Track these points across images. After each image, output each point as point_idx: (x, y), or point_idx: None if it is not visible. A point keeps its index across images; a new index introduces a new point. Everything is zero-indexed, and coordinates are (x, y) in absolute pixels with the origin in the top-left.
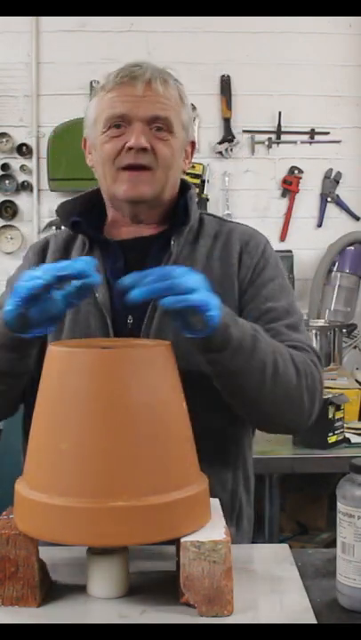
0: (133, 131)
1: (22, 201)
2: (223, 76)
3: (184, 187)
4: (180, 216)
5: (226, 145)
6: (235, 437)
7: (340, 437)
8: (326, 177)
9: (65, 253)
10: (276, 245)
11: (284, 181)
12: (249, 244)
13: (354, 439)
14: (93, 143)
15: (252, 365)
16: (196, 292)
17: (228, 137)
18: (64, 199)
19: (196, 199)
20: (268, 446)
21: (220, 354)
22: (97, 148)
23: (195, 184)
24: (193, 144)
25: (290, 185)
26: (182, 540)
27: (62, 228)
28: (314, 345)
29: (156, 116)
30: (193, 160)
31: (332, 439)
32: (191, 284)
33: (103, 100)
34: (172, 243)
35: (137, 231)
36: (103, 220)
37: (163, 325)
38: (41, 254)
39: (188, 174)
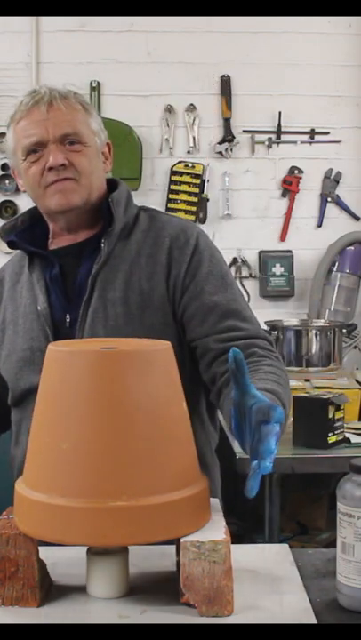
0: (50, 152)
1: (22, 201)
2: (223, 76)
3: (113, 188)
4: (106, 218)
5: (226, 145)
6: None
7: (340, 437)
8: (326, 177)
9: (20, 270)
10: (276, 245)
11: (284, 181)
12: (179, 238)
13: (354, 439)
14: (19, 171)
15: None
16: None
17: (228, 137)
18: None
19: (128, 196)
20: None
21: None
22: (22, 174)
23: (195, 184)
24: (109, 145)
25: (290, 185)
26: (182, 540)
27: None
28: (264, 328)
29: (65, 134)
30: (193, 160)
31: (332, 439)
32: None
33: (16, 130)
34: (102, 244)
35: (73, 239)
36: (48, 233)
37: (95, 322)
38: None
39: (188, 174)
